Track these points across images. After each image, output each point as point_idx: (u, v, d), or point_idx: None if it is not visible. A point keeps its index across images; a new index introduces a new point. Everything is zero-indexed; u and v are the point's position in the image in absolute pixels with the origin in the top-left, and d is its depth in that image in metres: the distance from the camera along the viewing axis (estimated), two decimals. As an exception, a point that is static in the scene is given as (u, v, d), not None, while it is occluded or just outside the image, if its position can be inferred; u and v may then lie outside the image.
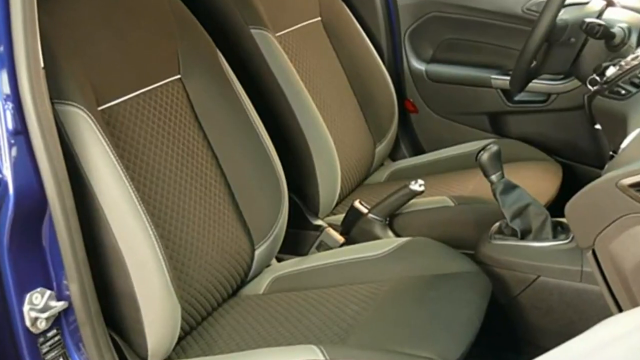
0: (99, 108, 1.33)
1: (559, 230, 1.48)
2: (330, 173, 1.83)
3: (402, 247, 1.55)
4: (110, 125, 1.35)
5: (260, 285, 1.57)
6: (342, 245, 1.75)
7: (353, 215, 1.75)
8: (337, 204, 1.92)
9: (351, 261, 1.56)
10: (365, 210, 1.73)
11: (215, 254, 1.47)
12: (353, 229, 1.74)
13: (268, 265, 1.65)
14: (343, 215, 1.79)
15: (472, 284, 1.42)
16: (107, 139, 1.26)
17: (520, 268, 1.46)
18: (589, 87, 1.53)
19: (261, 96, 1.76)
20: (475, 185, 1.88)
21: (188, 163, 1.48)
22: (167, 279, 1.28)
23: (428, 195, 1.77)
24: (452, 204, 1.74)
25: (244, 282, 1.57)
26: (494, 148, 1.51)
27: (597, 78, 1.50)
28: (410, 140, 2.36)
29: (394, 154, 2.30)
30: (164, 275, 1.28)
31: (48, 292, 1.13)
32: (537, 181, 1.87)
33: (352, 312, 1.37)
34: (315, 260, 1.62)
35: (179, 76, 1.52)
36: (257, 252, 1.55)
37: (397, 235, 1.70)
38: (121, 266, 1.23)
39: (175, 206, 1.42)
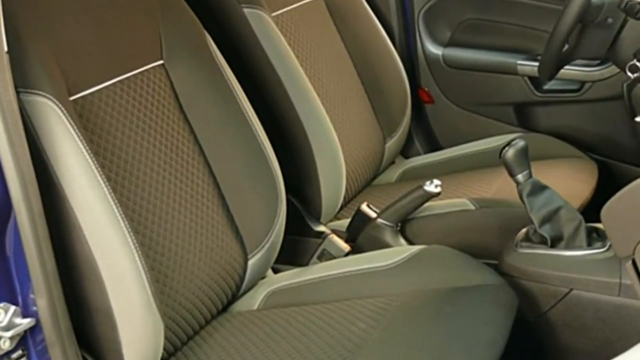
0: (71, 98, 1.34)
1: (595, 237, 1.47)
2: (333, 172, 1.83)
3: (416, 256, 1.55)
4: (83, 118, 1.35)
5: (254, 299, 1.57)
6: (347, 254, 1.75)
7: (360, 220, 1.75)
8: (341, 208, 1.92)
9: (358, 272, 1.56)
10: (373, 215, 1.73)
11: (203, 265, 1.47)
12: (360, 236, 1.74)
13: (263, 277, 1.65)
14: (348, 220, 1.79)
15: (496, 299, 1.42)
16: (79, 134, 1.26)
17: (550, 280, 1.46)
18: (629, 74, 1.52)
19: (255, 85, 1.76)
20: (499, 186, 1.88)
21: (172, 161, 1.48)
22: (148, 293, 1.28)
23: (445, 198, 1.77)
24: (472, 207, 1.74)
25: (235, 297, 1.57)
26: (521, 144, 1.50)
27: (638, 64, 1.50)
28: (424, 134, 2.36)
29: (406, 151, 2.30)
30: (144, 288, 1.28)
31: (12, 308, 1.12)
32: (570, 181, 1.87)
33: (358, 331, 1.37)
34: (316, 271, 1.62)
35: (161, 62, 1.52)
36: (250, 263, 1.55)
37: (410, 242, 1.70)
38: (96, 278, 1.23)
39: (157, 210, 1.42)
